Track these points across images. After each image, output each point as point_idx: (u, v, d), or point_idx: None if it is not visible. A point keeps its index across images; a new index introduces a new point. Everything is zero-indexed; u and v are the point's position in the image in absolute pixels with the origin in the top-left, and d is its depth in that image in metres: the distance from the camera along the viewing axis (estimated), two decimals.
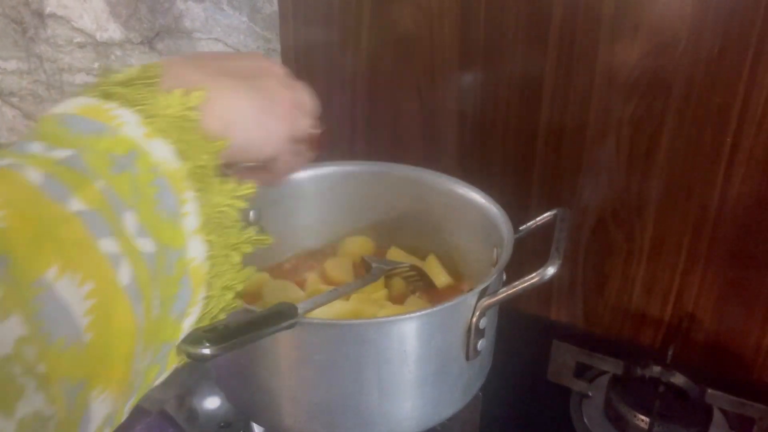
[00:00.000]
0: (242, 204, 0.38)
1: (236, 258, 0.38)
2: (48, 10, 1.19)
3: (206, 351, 0.36)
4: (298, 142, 0.46)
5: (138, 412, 0.70)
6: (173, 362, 0.36)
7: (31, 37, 1.24)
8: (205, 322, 0.37)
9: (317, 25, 0.87)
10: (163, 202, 0.32)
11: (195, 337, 0.36)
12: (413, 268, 0.70)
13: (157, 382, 0.35)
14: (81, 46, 1.19)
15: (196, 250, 0.34)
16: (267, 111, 0.41)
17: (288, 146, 0.44)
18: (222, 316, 0.38)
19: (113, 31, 1.14)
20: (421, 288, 0.71)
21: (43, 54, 1.25)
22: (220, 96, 0.38)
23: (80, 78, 1.23)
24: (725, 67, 0.65)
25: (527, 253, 0.68)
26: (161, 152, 0.33)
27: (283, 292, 0.69)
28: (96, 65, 1.20)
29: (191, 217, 0.34)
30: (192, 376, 0.75)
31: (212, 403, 0.73)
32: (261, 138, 0.41)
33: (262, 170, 0.46)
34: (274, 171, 0.47)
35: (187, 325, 0.35)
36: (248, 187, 0.39)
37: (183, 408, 0.72)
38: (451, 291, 0.72)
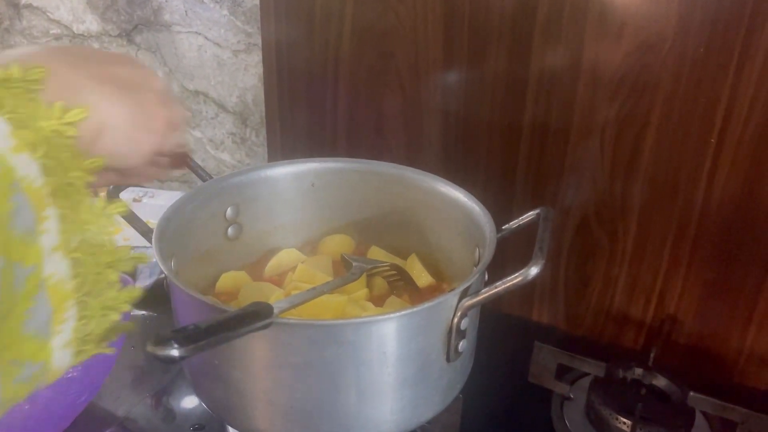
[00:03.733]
0: (112, 223, 0.37)
1: (112, 276, 0.37)
2: (24, 1, 1.16)
3: (174, 353, 0.34)
4: (162, 156, 0.48)
5: (99, 420, 0.68)
6: (49, 380, 0.34)
7: (6, 29, 1.21)
8: (90, 347, 0.36)
9: (299, 20, 0.85)
10: (19, 219, 0.31)
11: (162, 338, 0.35)
12: (394, 267, 0.68)
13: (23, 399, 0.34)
14: (57, 38, 1.17)
15: (55, 266, 0.33)
16: (140, 125, 0.42)
17: (152, 159, 0.45)
18: (112, 337, 0.37)
19: (90, 23, 1.11)
20: (402, 288, 0.69)
21: (18, 45, 1.22)
22: (97, 104, 0.38)
23: None
24: (710, 67, 0.65)
25: (510, 253, 0.67)
26: (26, 168, 0.32)
27: (260, 291, 0.67)
28: None
29: (51, 234, 0.33)
30: (167, 376, 0.74)
31: (185, 402, 0.72)
32: (129, 150, 0.42)
33: (117, 173, 0.46)
34: (130, 177, 0.48)
35: (60, 344, 0.34)
36: (119, 207, 0.38)
37: (159, 407, 0.71)
38: (433, 291, 0.70)
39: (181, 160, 0.52)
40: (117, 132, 0.40)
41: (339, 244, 0.76)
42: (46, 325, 0.33)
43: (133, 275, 0.82)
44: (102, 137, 0.38)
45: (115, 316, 0.37)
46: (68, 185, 0.34)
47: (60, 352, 0.34)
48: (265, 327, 0.44)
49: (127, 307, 0.37)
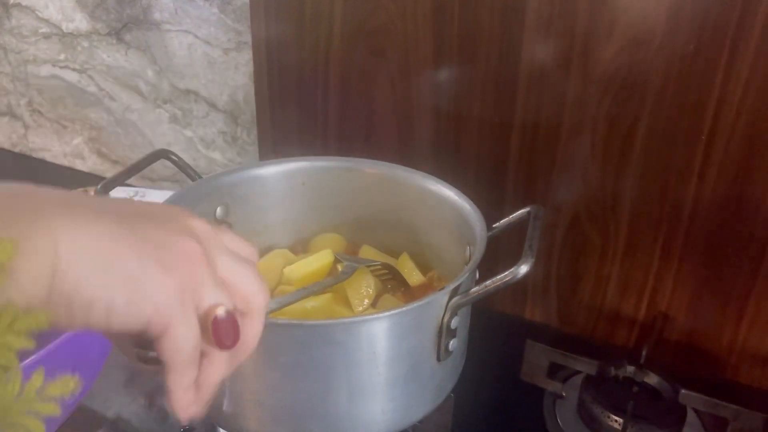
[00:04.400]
0: (48, 411, 0.27)
1: (6, 359, 0.26)
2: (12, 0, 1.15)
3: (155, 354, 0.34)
4: (204, 326, 0.34)
5: (90, 421, 0.67)
6: None
7: None
8: None
9: (289, 18, 0.85)
10: None
11: (146, 340, 0.34)
12: (385, 266, 0.68)
13: None
14: (46, 36, 1.16)
15: None
16: (148, 260, 0.31)
17: (183, 317, 0.32)
18: None
19: (80, 22, 1.10)
20: (394, 287, 0.69)
21: (7, 45, 1.21)
22: (72, 236, 0.28)
23: (46, 69, 1.19)
24: (700, 64, 0.64)
25: (502, 251, 0.67)
26: None
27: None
28: (62, 56, 1.16)
29: None
30: (158, 377, 0.73)
31: None
32: (130, 297, 0.30)
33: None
34: (163, 353, 0.33)
35: None
36: (64, 385, 0.28)
37: (152, 408, 0.70)
38: (425, 289, 0.70)
39: (226, 330, 0.34)
40: (106, 270, 0.29)
41: (330, 243, 0.75)
42: None
43: None
44: (79, 279, 0.28)
45: (36, 425, 0.27)
46: None
47: None
48: None
49: (57, 411, 0.28)
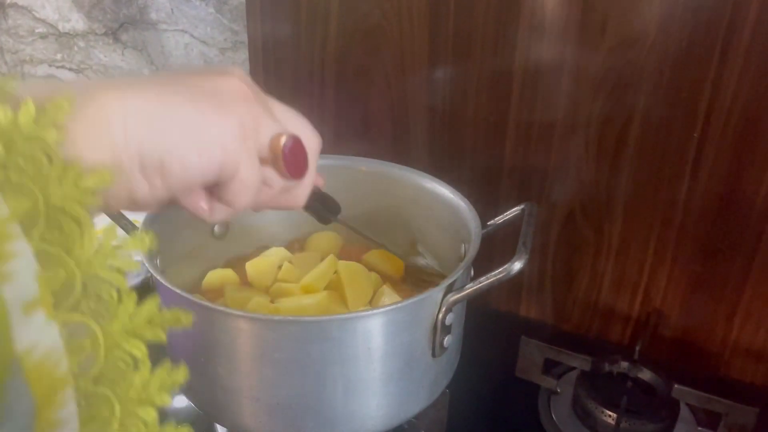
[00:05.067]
0: (127, 264, 0.26)
1: (136, 349, 0.26)
2: (9, 0, 1.15)
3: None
4: (265, 161, 0.35)
5: None
6: None
7: None
8: None
9: (285, 17, 0.85)
10: None
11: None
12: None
13: None
14: (43, 36, 1.16)
15: (35, 334, 0.22)
16: (202, 104, 0.31)
17: (248, 157, 0.33)
18: None
19: (76, 22, 1.10)
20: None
21: (3, 45, 1.22)
22: (123, 102, 0.28)
23: (42, 69, 1.19)
24: (692, 63, 0.65)
25: (497, 248, 0.67)
26: None
27: (247, 289, 0.67)
28: (58, 56, 1.16)
29: (21, 280, 0.21)
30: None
31: (177, 401, 0.71)
32: (198, 145, 0.30)
33: (216, 198, 0.35)
34: (229, 197, 0.34)
35: None
36: (137, 241, 0.26)
37: None
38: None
39: (292, 159, 0.35)
40: (167, 125, 0.30)
41: (327, 241, 0.76)
42: (27, 429, 0.21)
43: None
44: (143, 139, 0.29)
45: (150, 415, 0.26)
46: (55, 210, 0.24)
47: None
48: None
49: (166, 400, 0.27)
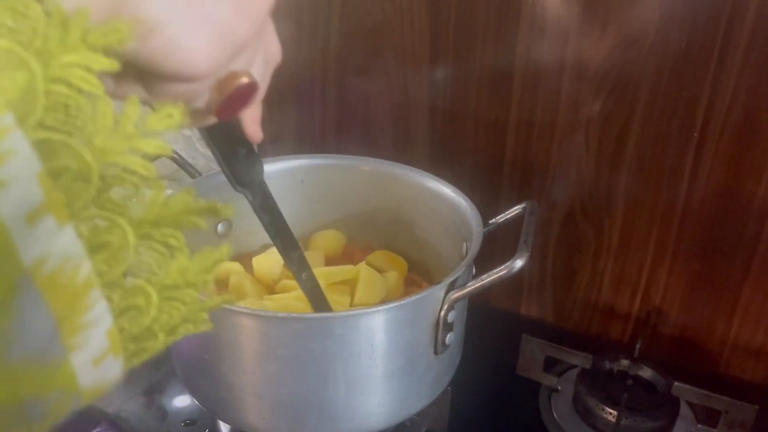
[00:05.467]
0: (154, 149, 0.21)
1: (173, 238, 0.24)
2: None
3: None
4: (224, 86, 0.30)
5: (90, 417, 0.68)
6: (85, 402, 0.22)
7: None
8: (160, 337, 0.24)
9: (286, 17, 0.85)
10: None
11: None
12: None
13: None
14: None
15: (45, 243, 0.19)
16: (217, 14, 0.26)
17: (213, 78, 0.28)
18: (200, 318, 0.25)
19: None
20: None
21: None
22: None
23: None
24: (692, 62, 0.65)
25: (498, 247, 0.68)
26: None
27: (251, 282, 0.68)
28: None
29: (20, 186, 0.18)
30: (159, 373, 0.74)
31: (180, 399, 0.72)
32: (195, 36, 0.25)
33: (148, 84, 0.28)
34: (169, 91, 0.28)
35: (86, 360, 0.21)
36: (168, 116, 0.21)
37: (151, 406, 0.71)
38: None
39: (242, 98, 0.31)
40: (172, 24, 0.24)
41: (329, 239, 0.76)
42: (51, 343, 0.20)
43: None
44: (153, 35, 0.24)
45: (189, 295, 0.24)
46: (57, 83, 0.19)
47: (90, 369, 0.21)
48: None
49: (208, 280, 0.24)
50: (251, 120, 0.37)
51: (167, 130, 0.21)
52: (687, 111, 0.67)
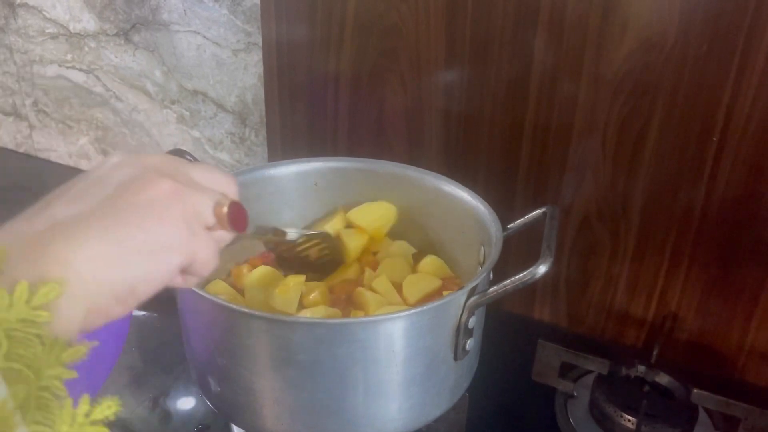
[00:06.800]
0: None
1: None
2: (19, 0, 1.15)
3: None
4: (212, 228, 0.39)
5: None
6: None
7: (1, 27, 1.20)
8: None
9: (300, 18, 0.85)
10: None
11: None
12: (324, 238, 0.67)
13: None
14: (53, 37, 1.16)
15: None
16: (146, 222, 0.34)
17: (200, 241, 0.37)
18: None
19: (87, 22, 1.10)
20: (328, 259, 0.69)
21: (13, 45, 1.21)
22: (86, 256, 0.31)
23: (52, 70, 1.19)
24: (712, 67, 0.65)
25: (510, 251, 0.67)
26: None
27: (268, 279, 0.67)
28: (69, 57, 1.16)
29: None
30: (165, 378, 0.73)
31: (187, 404, 0.71)
32: (158, 261, 0.35)
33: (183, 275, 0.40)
34: (197, 272, 0.39)
35: None
36: (105, 409, 0.30)
37: (156, 409, 0.70)
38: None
39: (234, 218, 0.40)
40: (129, 256, 0.33)
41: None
42: None
43: None
44: (112, 277, 0.32)
45: None
46: (42, 390, 0.27)
47: None
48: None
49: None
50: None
51: (107, 418, 0.29)
52: (706, 115, 0.67)
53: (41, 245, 0.31)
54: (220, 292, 0.66)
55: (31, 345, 0.27)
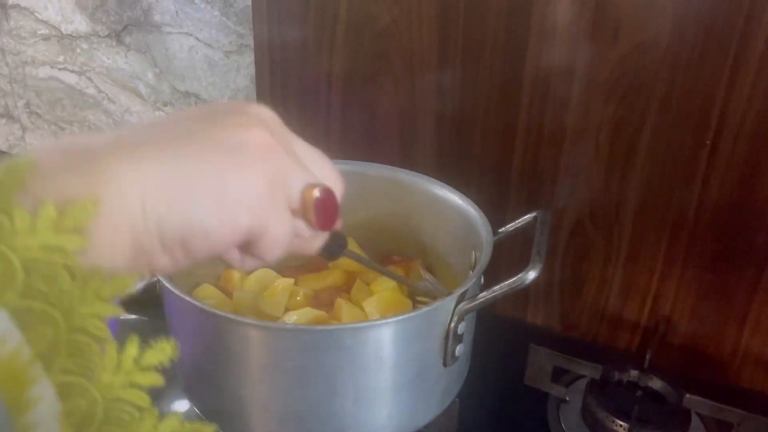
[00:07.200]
0: (149, 381, 0.25)
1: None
2: (11, 1, 1.15)
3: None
4: (296, 212, 0.33)
5: None
6: None
7: None
8: None
9: (292, 20, 0.84)
10: None
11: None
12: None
13: None
14: (45, 38, 1.15)
15: None
16: (224, 162, 0.29)
17: (277, 214, 0.31)
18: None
19: (79, 24, 1.10)
20: None
21: (5, 46, 1.21)
22: (138, 178, 0.26)
23: (44, 71, 1.18)
24: (705, 70, 0.64)
25: (503, 255, 0.67)
26: None
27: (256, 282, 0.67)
28: (61, 58, 1.15)
29: (44, 427, 0.21)
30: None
31: (180, 407, 0.71)
32: (221, 213, 0.28)
33: (244, 252, 0.34)
34: (260, 252, 0.32)
35: None
36: (162, 352, 0.25)
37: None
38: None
39: (324, 208, 0.33)
40: (185, 191, 0.27)
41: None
42: None
43: None
44: (160, 212, 0.27)
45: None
46: (75, 332, 0.22)
47: None
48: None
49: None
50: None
51: (161, 363, 0.25)
52: (700, 118, 0.66)
53: (89, 158, 0.25)
54: (209, 296, 0.65)
55: (58, 279, 0.22)
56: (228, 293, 0.66)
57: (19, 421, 0.19)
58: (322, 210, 0.33)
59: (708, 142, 0.67)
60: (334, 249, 0.42)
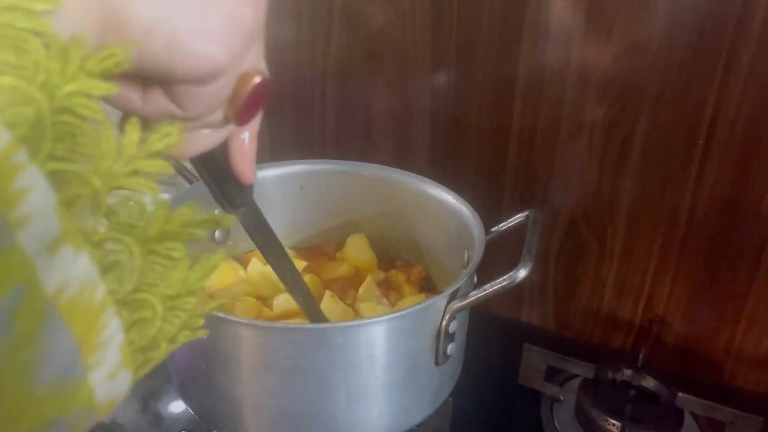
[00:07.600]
0: (155, 167, 0.22)
1: (174, 251, 0.24)
2: None
3: None
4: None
5: None
6: (99, 416, 0.23)
7: None
8: (162, 347, 0.24)
9: (287, 21, 0.85)
10: None
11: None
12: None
13: None
14: None
15: (65, 271, 0.19)
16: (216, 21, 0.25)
17: (238, 68, 0.28)
18: (196, 324, 0.26)
19: None
20: None
21: None
22: None
23: None
24: (698, 69, 0.65)
25: (498, 254, 0.67)
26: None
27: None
28: None
29: (40, 219, 0.18)
30: (155, 380, 0.73)
31: (177, 407, 0.71)
32: (198, 23, 0.25)
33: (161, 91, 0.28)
34: (183, 99, 0.28)
35: (102, 376, 0.22)
36: (166, 135, 0.22)
37: (147, 412, 0.70)
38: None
39: (258, 98, 0.29)
40: (171, 30, 0.24)
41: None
42: (73, 365, 0.20)
43: None
44: (150, 38, 0.23)
45: (189, 303, 0.25)
46: (60, 114, 0.19)
47: (106, 384, 0.22)
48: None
49: (204, 288, 0.25)
50: (241, 155, 0.35)
51: (167, 148, 0.22)
52: (692, 118, 0.67)
53: None
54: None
55: (28, 49, 0.18)
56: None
57: (9, 216, 0.17)
58: (251, 103, 0.29)
59: (701, 142, 0.67)
60: (230, 191, 0.38)
